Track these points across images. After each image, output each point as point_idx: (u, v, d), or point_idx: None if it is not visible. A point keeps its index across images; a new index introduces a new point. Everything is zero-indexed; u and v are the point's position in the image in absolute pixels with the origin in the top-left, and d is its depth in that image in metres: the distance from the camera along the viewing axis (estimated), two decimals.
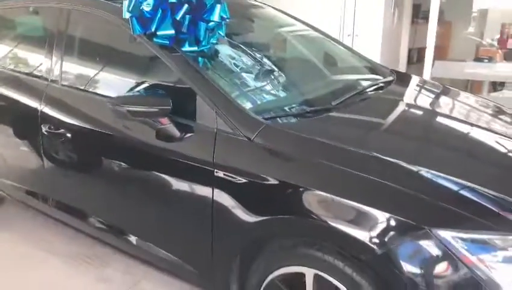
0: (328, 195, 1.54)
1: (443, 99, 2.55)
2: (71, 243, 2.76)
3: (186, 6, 1.89)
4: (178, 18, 1.89)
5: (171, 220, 1.98)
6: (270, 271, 1.71)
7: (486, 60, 4.67)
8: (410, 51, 7.06)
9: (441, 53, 6.50)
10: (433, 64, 4.21)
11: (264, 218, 1.66)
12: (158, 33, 1.93)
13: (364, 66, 2.70)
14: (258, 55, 2.21)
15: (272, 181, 1.63)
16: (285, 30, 2.76)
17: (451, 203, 1.46)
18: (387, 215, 1.45)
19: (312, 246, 1.61)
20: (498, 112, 2.41)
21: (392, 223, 1.44)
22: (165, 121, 1.85)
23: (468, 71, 4.23)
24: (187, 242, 1.98)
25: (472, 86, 4.67)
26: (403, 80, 2.67)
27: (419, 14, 7.14)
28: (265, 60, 2.22)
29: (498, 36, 5.87)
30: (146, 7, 1.90)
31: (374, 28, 5.21)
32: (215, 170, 1.74)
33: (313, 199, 1.57)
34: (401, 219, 1.43)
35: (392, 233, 1.44)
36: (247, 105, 1.85)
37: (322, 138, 1.69)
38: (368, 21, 5.17)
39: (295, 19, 2.90)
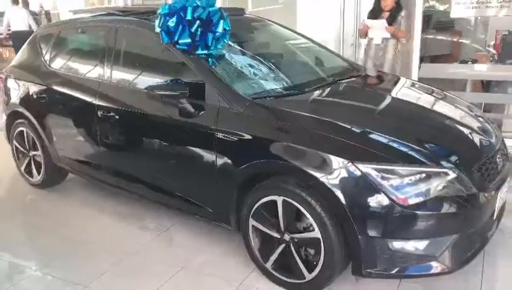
0: (289, 144, 2.29)
1: (392, 85, 3.30)
2: (115, 204, 3.60)
3: (198, 22, 2.71)
4: (193, 30, 2.71)
5: (193, 175, 2.77)
6: (255, 202, 2.46)
7: (470, 62, 5.28)
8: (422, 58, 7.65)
9: (452, 59, 7.07)
10: (419, 67, 4.88)
11: (249, 163, 2.43)
12: (179, 42, 2.75)
13: (344, 66, 3.45)
14: (253, 56, 3.01)
15: (250, 137, 2.40)
16: (277, 37, 3.57)
17: (369, 146, 2.19)
18: (326, 155, 2.18)
19: (280, 180, 2.36)
20: (431, 94, 3.14)
21: (329, 160, 2.18)
22: (183, 101, 2.66)
23: (450, 71, 4.87)
24: (203, 189, 2.75)
25: (456, 86, 5.25)
26: (371, 75, 3.40)
27: (430, 24, 7.74)
28: (258, 59, 3.01)
29: (493, 42, 6.41)
30: (171, 23, 2.73)
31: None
32: (216, 133, 2.53)
33: (278, 147, 2.32)
34: (335, 157, 2.17)
35: (330, 168, 2.17)
36: (241, 89, 2.63)
37: (286, 108, 2.46)
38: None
39: (288, 29, 3.70)
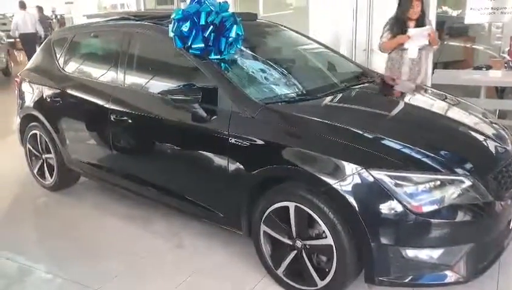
0: (301, 150, 2.28)
1: (405, 91, 3.27)
2: (126, 207, 3.61)
3: (211, 27, 2.71)
4: (206, 35, 2.72)
5: (204, 179, 2.77)
6: (267, 208, 2.45)
7: (484, 68, 5.23)
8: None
9: (466, 65, 7.01)
10: (433, 73, 4.84)
11: (261, 168, 2.42)
12: (192, 46, 2.76)
13: (355, 71, 3.43)
14: (265, 61, 3.01)
15: (262, 142, 2.39)
16: (290, 43, 3.57)
17: (382, 152, 2.17)
18: (339, 161, 2.17)
19: (292, 186, 2.35)
20: (445, 100, 3.10)
21: (342, 166, 2.16)
22: (196, 106, 2.66)
23: (464, 77, 4.81)
24: (215, 194, 2.74)
25: (470, 92, 5.19)
26: (384, 81, 3.38)
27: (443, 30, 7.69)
28: (270, 64, 3.01)
29: (508, 48, 6.34)
30: (184, 28, 2.74)
31: None
32: (229, 138, 2.52)
33: (290, 153, 2.31)
34: (348, 163, 2.15)
35: (341, 173, 2.15)
36: (253, 94, 2.63)
37: (299, 113, 2.45)
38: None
39: (301, 35, 3.70)
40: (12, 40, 12.05)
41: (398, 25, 4.19)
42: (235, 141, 2.50)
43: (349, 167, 2.14)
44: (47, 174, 3.99)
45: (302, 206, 2.30)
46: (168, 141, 2.94)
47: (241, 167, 2.50)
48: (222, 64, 2.81)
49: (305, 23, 5.89)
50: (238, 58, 2.93)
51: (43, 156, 3.99)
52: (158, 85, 2.98)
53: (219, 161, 2.61)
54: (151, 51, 3.21)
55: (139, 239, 3.16)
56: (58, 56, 3.79)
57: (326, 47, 3.65)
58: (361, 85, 3.08)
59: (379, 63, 5.22)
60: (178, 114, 2.79)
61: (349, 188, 2.13)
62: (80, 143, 3.61)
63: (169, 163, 2.97)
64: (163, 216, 3.38)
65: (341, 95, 2.85)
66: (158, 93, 2.75)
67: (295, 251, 2.40)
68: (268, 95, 2.68)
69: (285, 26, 3.75)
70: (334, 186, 2.15)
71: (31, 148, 4.08)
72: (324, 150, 2.23)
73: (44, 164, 4.00)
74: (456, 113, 2.89)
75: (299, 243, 2.38)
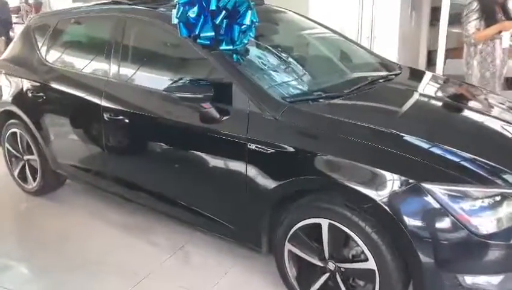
0: (338, 159, 1.94)
1: (442, 87, 2.93)
2: (121, 215, 3.23)
3: (224, 12, 2.33)
4: (217, 22, 2.34)
5: (214, 188, 2.41)
6: (293, 224, 2.12)
7: None
8: (430, 52, 7.32)
9: (459, 53, 6.75)
10: (444, 63, 4.54)
11: (288, 179, 2.08)
12: (201, 35, 2.37)
13: (375, 62, 3.09)
14: (282, 52, 2.63)
15: (292, 149, 2.04)
16: (305, 31, 3.18)
17: (436, 163, 1.85)
18: (386, 173, 1.84)
19: (326, 201, 2.02)
20: (486, 98, 2.78)
21: (389, 179, 1.83)
22: (207, 105, 2.29)
23: None
24: (226, 204, 2.40)
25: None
26: (410, 73, 3.05)
27: (439, 17, 7.40)
28: (288, 56, 2.64)
29: None
30: (191, 14, 2.35)
31: (390, 30, 5.53)
32: (248, 144, 2.17)
33: (325, 162, 1.97)
34: (395, 175, 1.82)
35: (389, 188, 1.83)
36: (274, 91, 2.27)
37: (333, 115, 2.10)
38: (385, 23, 5.50)
39: (314, 21, 3.33)
40: None
41: (489, 12, 3.73)
42: (256, 146, 2.14)
43: (398, 180, 1.82)
44: (29, 177, 3.57)
45: (338, 224, 1.97)
46: (171, 145, 2.57)
47: (263, 176, 2.15)
48: (234, 56, 2.43)
49: (303, 7, 5.48)
50: (251, 49, 2.55)
51: (25, 158, 3.56)
52: (159, 80, 2.59)
53: (235, 168, 2.25)
54: (151, 41, 2.81)
55: (140, 254, 2.79)
56: (39, 45, 3.34)
57: (341, 35, 3.29)
58: (389, 79, 2.74)
59: (381, 51, 4.94)
60: (184, 114, 2.41)
61: (397, 204, 1.81)
62: (67, 144, 3.19)
63: (173, 169, 2.59)
64: (164, 225, 3.01)
65: (372, 91, 2.50)
66: (163, 90, 2.35)
67: (327, 274, 2.09)
68: (291, 92, 2.33)
69: (294, 12, 3.37)
70: (378, 202, 1.83)
71: (10, 148, 3.64)
72: (367, 160, 1.89)
73: (26, 166, 3.57)
74: None
75: (331, 266, 2.06)
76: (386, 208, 1.82)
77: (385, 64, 3.07)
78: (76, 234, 3.08)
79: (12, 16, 12.86)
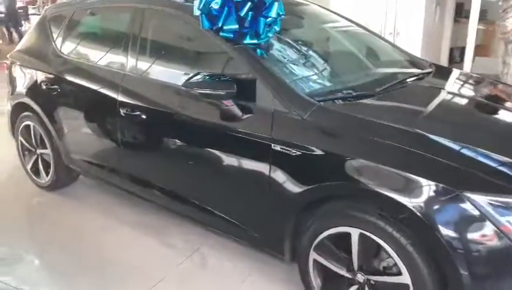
0: (371, 163, 1.79)
1: (477, 87, 2.76)
2: (135, 213, 3.11)
3: (249, 4, 2.19)
4: (242, 14, 2.19)
5: (234, 189, 2.29)
6: (320, 232, 1.98)
7: None
8: (452, 49, 7.09)
9: (484, 51, 6.52)
10: (473, 61, 4.35)
11: (315, 185, 1.94)
12: (224, 28, 2.23)
13: (404, 59, 2.92)
14: (308, 48, 2.49)
15: (321, 152, 1.90)
16: (330, 25, 3.02)
17: (481, 171, 1.69)
18: (424, 181, 1.69)
19: (357, 208, 1.87)
20: None
21: (427, 187, 1.68)
22: (229, 102, 2.15)
23: None
24: (246, 207, 2.27)
25: None
26: (441, 72, 2.87)
27: (462, 13, 7.16)
28: (314, 51, 2.50)
29: None
30: (214, 5, 2.22)
31: (414, 26, 5.33)
32: (272, 144, 2.03)
33: (357, 167, 1.83)
34: (435, 183, 1.67)
35: (426, 196, 1.68)
36: (301, 89, 2.12)
37: (366, 116, 1.95)
38: (409, 19, 5.31)
39: (338, 15, 3.16)
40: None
41: None
42: (281, 148, 2.00)
43: (439, 189, 1.67)
44: (42, 171, 3.48)
45: (370, 235, 1.83)
46: (190, 143, 2.44)
47: (289, 180, 2.01)
48: (258, 50, 2.29)
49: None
50: (276, 43, 2.41)
51: (38, 151, 3.47)
52: (178, 75, 2.46)
53: (257, 170, 2.11)
54: (170, 33, 2.68)
55: (155, 256, 2.68)
56: (55, 36, 3.23)
57: (368, 30, 3.12)
58: (423, 78, 2.57)
59: (404, 47, 4.75)
60: (204, 111, 2.28)
61: (436, 215, 1.66)
62: (81, 139, 3.09)
63: (192, 169, 2.46)
64: (179, 225, 2.90)
65: (404, 90, 2.34)
66: (182, 85, 2.22)
67: (356, 286, 1.95)
68: (319, 90, 2.18)
69: (318, 5, 3.21)
70: (415, 212, 1.68)
71: (24, 141, 3.55)
72: (404, 166, 1.74)
73: (39, 160, 3.48)
74: None
75: (360, 278, 1.92)
76: (423, 218, 1.67)
77: (415, 62, 2.90)
78: (89, 232, 2.98)
79: (29, 7, 12.92)
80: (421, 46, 5.39)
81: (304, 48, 2.47)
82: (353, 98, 2.16)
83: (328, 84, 2.27)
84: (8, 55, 3.67)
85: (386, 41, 3.17)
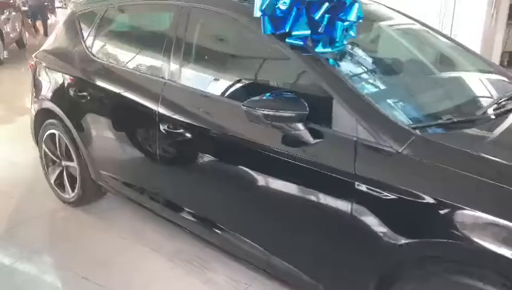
0: (496, 218, 1.36)
1: None
2: (169, 240, 2.73)
3: (326, 4, 1.77)
4: (317, 17, 1.78)
5: (298, 230, 1.88)
6: None
7: None
8: (502, 54, 6.58)
9: None
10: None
11: (414, 240, 1.51)
12: (293, 33, 1.82)
13: (495, 72, 2.45)
14: (390, 59, 2.05)
15: (427, 199, 1.47)
16: (407, 31, 2.56)
17: None
18: None
19: (472, 275, 1.44)
20: None
21: None
22: (300, 126, 1.74)
23: None
24: (313, 255, 1.86)
25: None
26: None
27: None
28: (398, 63, 2.06)
29: None
30: (282, 6, 1.80)
31: (474, 28, 4.86)
32: (356, 183, 1.61)
33: (477, 221, 1.40)
34: None
35: None
36: (392, 112, 1.69)
37: (487, 154, 1.50)
38: (468, 21, 4.83)
39: (412, 18, 2.69)
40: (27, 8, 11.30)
41: None
42: (368, 188, 1.58)
43: None
44: (67, 185, 3.13)
45: None
46: (246, 170, 2.00)
47: (377, 229, 1.59)
48: (334, 61, 1.87)
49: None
50: (355, 52, 1.98)
51: (63, 163, 3.12)
52: (233, 88, 2.06)
53: (333, 212, 1.69)
54: (222, 37, 2.28)
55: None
56: (85, 36, 2.87)
57: (450, 38, 2.66)
58: None
59: None
60: (264, 134, 1.87)
61: None
62: (112, 154, 2.72)
63: (244, 201, 2.06)
64: (219, 260, 2.50)
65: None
66: (243, 105, 1.79)
67: None
68: (415, 115, 1.74)
69: (387, 6, 2.75)
70: None
71: (48, 151, 3.20)
72: None
73: (64, 173, 3.13)
74: None
75: None
76: None
77: (508, 77, 2.43)
78: (116, 258, 2.62)
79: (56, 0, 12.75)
80: (480, 50, 4.89)
81: (386, 60, 2.04)
82: (458, 126, 1.72)
83: (423, 106, 1.83)
84: (33, 55, 3.32)
85: (472, 52, 2.66)
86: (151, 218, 2.79)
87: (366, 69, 1.94)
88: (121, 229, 2.93)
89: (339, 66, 1.87)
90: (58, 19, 12.27)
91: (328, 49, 1.86)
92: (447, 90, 2.05)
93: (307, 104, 1.70)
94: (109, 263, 2.58)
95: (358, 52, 2.03)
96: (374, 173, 1.58)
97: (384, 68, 1.99)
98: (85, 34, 2.87)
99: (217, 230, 2.21)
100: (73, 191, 3.09)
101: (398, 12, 2.72)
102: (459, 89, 2.13)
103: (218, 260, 2.52)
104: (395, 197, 1.53)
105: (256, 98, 1.76)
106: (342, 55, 1.95)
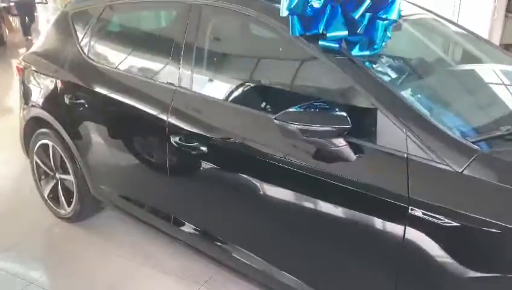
0: None
1: None
2: (175, 259, 2.52)
3: (368, 2, 1.55)
4: (356, 16, 1.56)
5: (334, 256, 1.67)
6: None
7: None
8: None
9: None
10: None
11: (484, 275, 1.32)
12: (328, 34, 1.61)
13: None
14: (435, 62, 1.84)
15: (499, 227, 1.28)
16: (444, 30, 2.34)
17: None
18: None
19: None
20: None
21: None
22: (340, 142, 1.53)
23: None
24: (351, 284, 1.66)
25: None
26: None
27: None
28: (443, 67, 1.85)
29: None
30: (315, 4, 1.58)
31: (480, 21, 4.73)
32: (409, 207, 1.41)
33: None
34: None
35: None
36: (448, 125, 1.49)
37: None
38: (475, 14, 4.70)
39: (440, 16, 2.48)
40: (6, 4, 10.81)
41: None
42: (424, 213, 1.38)
43: None
44: (63, 201, 2.87)
45: None
46: (274, 191, 1.79)
47: (436, 259, 1.39)
48: (374, 66, 1.66)
49: None
50: (395, 56, 1.77)
51: (57, 176, 2.86)
52: (258, 97, 1.84)
53: (381, 240, 1.49)
54: (242, 39, 2.04)
55: None
56: (80, 37, 2.60)
57: (487, 40, 2.43)
58: None
59: None
60: (296, 150, 1.66)
61: None
62: (114, 168, 2.48)
63: (272, 223, 1.84)
64: (231, 279, 2.29)
65: None
66: (274, 118, 1.57)
67: None
68: (475, 129, 1.54)
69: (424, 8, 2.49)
70: None
71: (40, 163, 2.94)
72: None
73: (59, 186, 2.87)
74: None
75: None
76: None
77: None
78: (130, 284, 2.38)
79: None
80: None
81: (429, 63, 1.83)
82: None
83: (480, 116, 1.63)
84: (21, 58, 3.04)
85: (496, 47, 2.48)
86: (152, 233, 2.55)
87: (409, 75, 1.74)
88: (122, 247, 2.68)
89: (384, 72, 1.65)
90: (38, 14, 11.75)
91: (366, 52, 1.65)
92: (497, 95, 1.86)
93: (348, 118, 1.49)
94: (112, 283, 2.35)
95: (396, 55, 1.82)
96: (431, 196, 1.38)
97: (430, 73, 1.78)
98: (80, 35, 2.60)
99: (241, 256, 1.97)
100: (69, 206, 2.83)
101: (427, 10, 2.50)
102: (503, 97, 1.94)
103: (229, 279, 2.31)
104: (458, 224, 1.33)
105: (290, 110, 1.54)
106: (378, 59, 1.74)
